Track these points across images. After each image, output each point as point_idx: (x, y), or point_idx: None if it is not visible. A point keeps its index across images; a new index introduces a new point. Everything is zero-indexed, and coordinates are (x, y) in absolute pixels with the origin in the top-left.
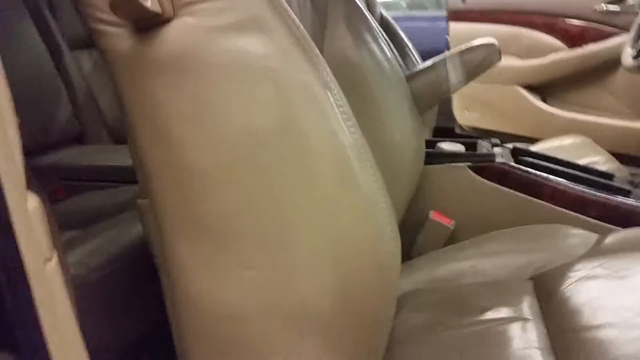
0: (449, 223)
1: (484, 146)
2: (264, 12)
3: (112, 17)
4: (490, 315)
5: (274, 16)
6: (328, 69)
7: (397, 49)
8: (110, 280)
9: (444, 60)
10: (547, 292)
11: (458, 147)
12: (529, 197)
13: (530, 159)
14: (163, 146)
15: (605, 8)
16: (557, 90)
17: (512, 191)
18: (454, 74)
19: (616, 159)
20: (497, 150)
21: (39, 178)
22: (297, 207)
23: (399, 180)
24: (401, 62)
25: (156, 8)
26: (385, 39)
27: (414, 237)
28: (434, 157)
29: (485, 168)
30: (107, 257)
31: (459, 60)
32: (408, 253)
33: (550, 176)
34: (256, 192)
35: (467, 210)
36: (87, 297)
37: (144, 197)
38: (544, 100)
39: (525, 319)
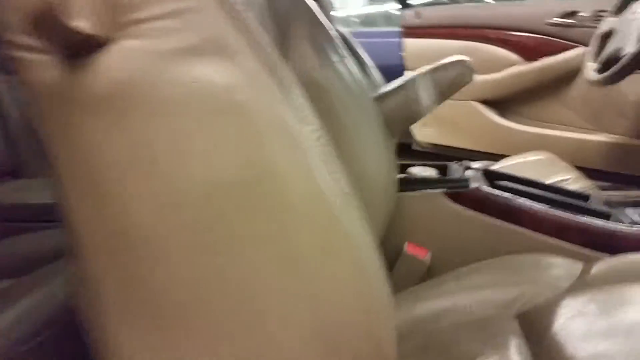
0: (424, 255)
1: (455, 170)
2: (226, 31)
3: (34, 42)
4: None
5: (238, 36)
6: (302, 97)
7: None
8: (38, 353)
9: (413, 80)
10: (535, 332)
11: (429, 172)
12: (508, 224)
13: (506, 183)
14: (96, 201)
15: (558, 21)
16: (514, 105)
17: (489, 217)
18: (425, 94)
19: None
20: (469, 173)
21: None
22: (271, 280)
23: (374, 212)
24: (368, 82)
25: (88, 28)
26: (353, 58)
27: (388, 271)
28: (406, 183)
29: (461, 194)
30: (35, 325)
31: (430, 79)
32: None
33: (528, 201)
34: (219, 263)
35: (444, 239)
36: None
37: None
38: (502, 115)
39: None
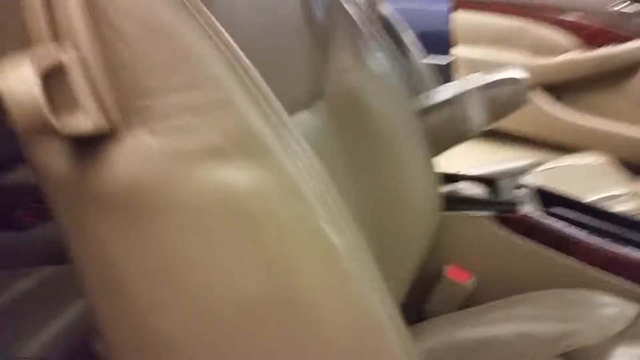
0: (466, 280)
1: (505, 188)
2: (255, 129)
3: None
4: None
5: (269, 135)
6: (338, 204)
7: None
8: None
9: (463, 96)
10: None
11: (477, 190)
12: (558, 254)
13: (558, 210)
14: (117, 301)
15: (622, 8)
16: (568, 93)
17: (539, 245)
18: (476, 113)
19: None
20: (520, 193)
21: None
22: None
23: (414, 233)
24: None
25: (95, 122)
26: (397, 65)
27: (426, 293)
28: (450, 202)
29: (510, 218)
30: (74, 346)
31: (480, 98)
32: (420, 312)
33: (582, 232)
34: None
35: (488, 265)
36: None
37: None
38: (556, 102)
39: None
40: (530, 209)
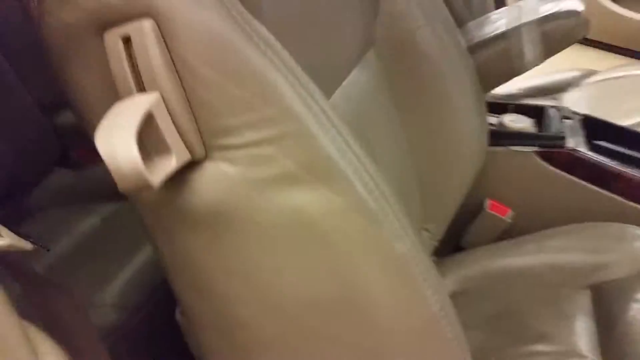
0: (506, 214)
1: (552, 118)
2: (325, 157)
3: None
4: (544, 346)
5: (338, 160)
6: (399, 214)
7: None
8: (146, 324)
9: (518, 30)
10: (606, 315)
11: (523, 123)
12: (597, 189)
13: (604, 144)
14: (206, 299)
15: None
16: None
17: (580, 181)
18: (530, 49)
19: None
20: (567, 124)
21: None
22: None
23: (460, 172)
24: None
25: (182, 159)
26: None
27: (465, 225)
28: (496, 136)
29: (554, 154)
30: (142, 294)
31: (537, 32)
32: (458, 241)
33: (625, 166)
34: None
35: (528, 199)
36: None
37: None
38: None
39: (581, 357)
40: (574, 144)
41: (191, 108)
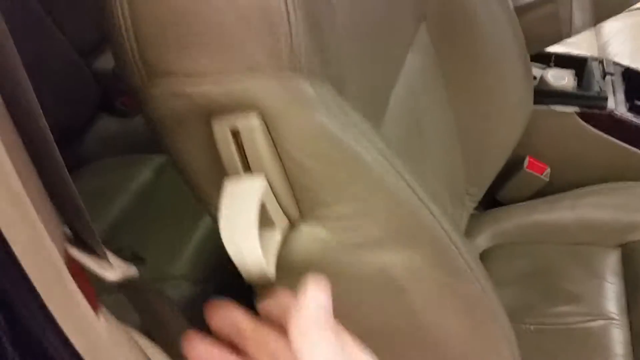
0: (543, 172)
1: (594, 74)
2: (408, 225)
3: None
4: (574, 307)
5: (419, 228)
6: (470, 262)
7: None
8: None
9: None
10: (634, 275)
11: (565, 79)
12: (636, 150)
13: None
14: None
15: None
16: None
17: (618, 142)
18: (579, 15)
19: None
20: (608, 81)
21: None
22: None
23: (504, 132)
24: None
25: (283, 230)
26: None
27: (503, 179)
28: (539, 95)
29: (594, 115)
30: (208, 267)
31: None
32: (494, 195)
33: None
34: None
35: (566, 157)
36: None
37: None
38: None
39: (608, 319)
40: (615, 104)
41: (292, 189)
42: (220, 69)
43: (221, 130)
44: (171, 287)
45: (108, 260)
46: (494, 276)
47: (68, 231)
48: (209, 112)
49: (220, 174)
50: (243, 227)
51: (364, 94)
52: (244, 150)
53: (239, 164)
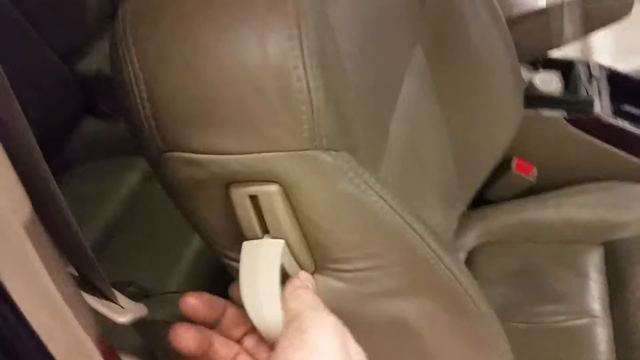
0: (530, 172)
1: (580, 76)
2: (421, 271)
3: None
4: (559, 306)
5: (435, 277)
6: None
7: None
8: None
9: (560, 7)
10: (617, 272)
11: (553, 84)
12: (621, 151)
13: (630, 108)
14: None
15: None
16: None
17: (604, 144)
18: (570, 26)
19: None
20: (594, 85)
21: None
22: None
23: (493, 142)
24: None
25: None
26: None
27: (491, 180)
28: (527, 99)
29: (581, 120)
30: (213, 270)
31: (579, 10)
32: (482, 194)
33: None
34: None
35: (552, 158)
36: None
37: None
38: None
39: (593, 317)
40: (601, 108)
41: (308, 246)
42: (240, 148)
43: (239, 196)
44: (167, 302)
45: (119, 304)
46: (483, 275)
47: (75, 274)
48: (226, 180)
49: (237, 234)
50: (265, 291)
51: (369, 136)
52: (261, 212)
53: (257, 227)
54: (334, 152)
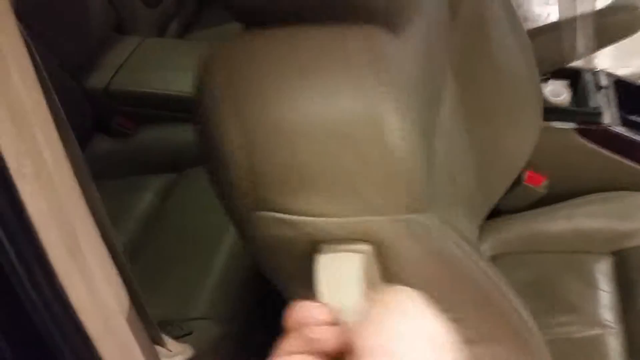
0: (540, 183)
1: (588, 86)
2: (501, 326)
3: None
4: (572, 317)
5: (508, 327)
6: None
7: None
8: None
9: (573, 21)
10: (627, 283)
11: (563, 95)
12: (631, 162)
13: (636, 118)
14: None
15: None
16: None
17: (613, 155)
18: (583, 40)
19: None
20: (602, 94)
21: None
22: None
23: (510, 160)
24: None
25: None
26: None
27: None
28: None
29: (591, 131)
30: (229, 306)
31: (592, 25)
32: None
33: None
34: None
35: (563, 169)
36: None
37: None
38: None
39: (605, 327)
40: (610, 118)
41: None
42: (336, 212)
43: (326, 255)
44: (191, 328)
45: (167, 347)
46: None
47: None
48: (319, 239)
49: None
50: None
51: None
52: None
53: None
54: (426, 216)
